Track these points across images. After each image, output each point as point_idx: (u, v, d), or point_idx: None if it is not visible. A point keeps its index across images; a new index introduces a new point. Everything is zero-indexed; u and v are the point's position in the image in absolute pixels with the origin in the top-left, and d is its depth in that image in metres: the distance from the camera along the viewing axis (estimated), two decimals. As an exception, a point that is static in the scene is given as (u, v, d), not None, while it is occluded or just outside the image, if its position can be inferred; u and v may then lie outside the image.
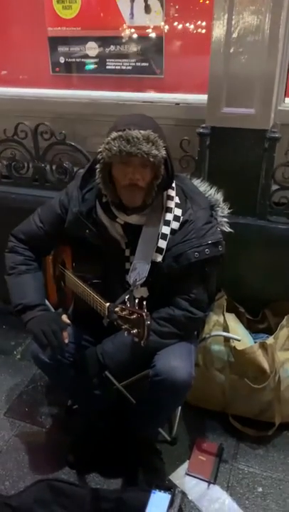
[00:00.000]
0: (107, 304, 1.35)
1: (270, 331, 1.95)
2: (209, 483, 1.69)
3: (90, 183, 1.49)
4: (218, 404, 1.90)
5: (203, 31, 1.99)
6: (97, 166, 1.34)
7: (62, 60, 2.31)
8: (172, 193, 1.45)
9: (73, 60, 2.29)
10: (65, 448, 1.80)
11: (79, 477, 1.72)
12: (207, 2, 1.94)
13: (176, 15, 2.03)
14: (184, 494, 1.64)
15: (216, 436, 1.88)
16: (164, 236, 1.41)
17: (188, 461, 1.77)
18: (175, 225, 1.42)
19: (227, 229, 1.50)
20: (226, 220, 1.50)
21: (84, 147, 2.12)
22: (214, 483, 1.69)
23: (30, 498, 1.59)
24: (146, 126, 1.28)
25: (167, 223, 1.42)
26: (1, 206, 2.27)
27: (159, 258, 1.41)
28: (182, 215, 1.43)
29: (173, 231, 1.42)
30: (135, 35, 2.13)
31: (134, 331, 1.20)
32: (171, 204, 1.44)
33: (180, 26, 2.04)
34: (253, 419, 1.87)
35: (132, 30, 2.12)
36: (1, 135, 2.21)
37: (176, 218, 1.42)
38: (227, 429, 1.88)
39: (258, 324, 2.04)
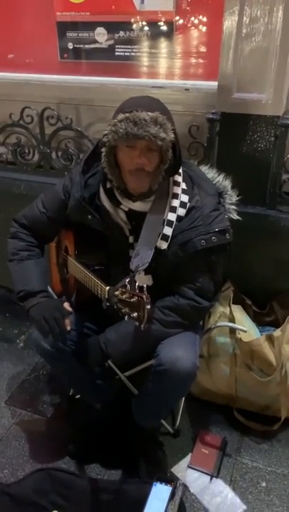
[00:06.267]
0: (107, 287, 1.32)
1: (277, 324, 1.90)
2: (212, 476, 1.66)
3: (93, 167, 1.45)
4: (223, 397, 1.87)
5: (216, 15, 1.93)
6: (103, 149, 1.30)
7: (70, 45, 2.26)
8: (179, 178, 1.40)
9: (82, 46, 2.25)
10: (66, 437, 1.79)
11: (79, 467, 1.70)
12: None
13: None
14: (185, 487, 1.62)
15: (220, 429, 1.84)
16: (169, 223, 1.37)
17: (190, 453, 1.74)
18: (181, 211, 1.38)
19: (235, 216, 1.45)
20: (233, 207, 1.46)
21: (89, 133, 2.08)
22: (217, 477, 1.66)
23: (30, 487, 1.58)
24: (154, 108, 1.24)
25: (173, 210, 1.37)
26: (6, 192, 2.24)
27: (165, 245, 1.36)
28: (189, 201, 1.39)
29: (179, 218, 1.38)
30: (145, 21, 2.07)
31: (134, 314, 1.17)
32: (178, 190, 1.39)
33: (191, 11, 1.98)
34: (258, 414, 1.84)
35: (142, 16, 2.06)
36: (7, 119, 2.17)
37: (182, 205, 1.38)
38: (231, 422, 1.85)
39: (265, 317, 2.00)
